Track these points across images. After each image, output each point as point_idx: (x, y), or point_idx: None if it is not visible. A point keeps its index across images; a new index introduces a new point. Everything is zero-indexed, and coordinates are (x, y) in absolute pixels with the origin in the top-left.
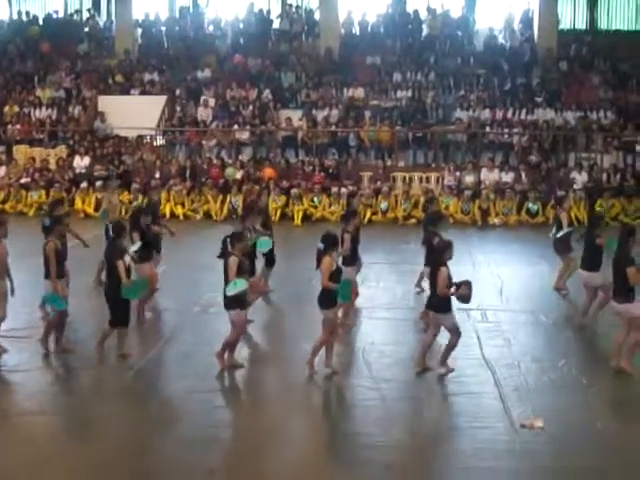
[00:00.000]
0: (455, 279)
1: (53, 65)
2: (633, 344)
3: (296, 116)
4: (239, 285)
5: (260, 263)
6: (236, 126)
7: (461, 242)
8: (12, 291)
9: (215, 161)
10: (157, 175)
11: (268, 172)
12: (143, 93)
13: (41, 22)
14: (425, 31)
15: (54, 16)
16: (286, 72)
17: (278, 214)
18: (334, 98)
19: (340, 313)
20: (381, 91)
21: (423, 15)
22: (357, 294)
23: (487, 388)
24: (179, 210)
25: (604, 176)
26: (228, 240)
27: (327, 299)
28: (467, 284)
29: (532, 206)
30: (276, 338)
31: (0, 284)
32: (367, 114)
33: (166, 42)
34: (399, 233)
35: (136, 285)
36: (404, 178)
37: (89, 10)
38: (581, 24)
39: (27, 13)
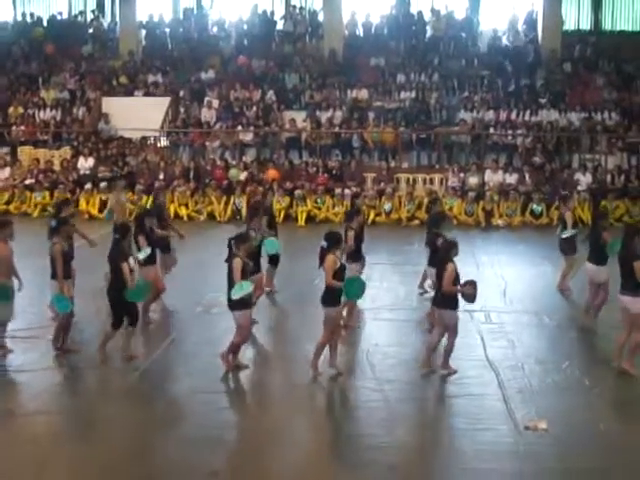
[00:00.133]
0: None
1: (57, 66)
2: (634, 345)
3: (300, 117)
4: (245, 288)
5: (264, 261)
6: (240, 127)
7: (465, 243)
8: (20, 288)
9: (219, 162)
10: (161, 176)
11: (272, 173)
12: (147, 94)
13: (45, 23)
14: (429, 32)
15: (58, 17)
16: (290, 73)
17: (282, 215)
18: (338, 99)
19: (344, 313)
20: (385, 92)
21: (427, 16)
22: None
23: (491, 389)
24: (183, 211)
25: (608, 177)
26: (232, 241)
27: (331, 297)
28: (472, 283)
29: (536, 207)
30: (280, 339)
31: (7, 284)
32: (371, 115)
33: (170, 43)
34: (403, 234)
35: (140, 288)
36: (408, 179)
37: (93, 11)
38: (585, 25)
39: (31, 14)
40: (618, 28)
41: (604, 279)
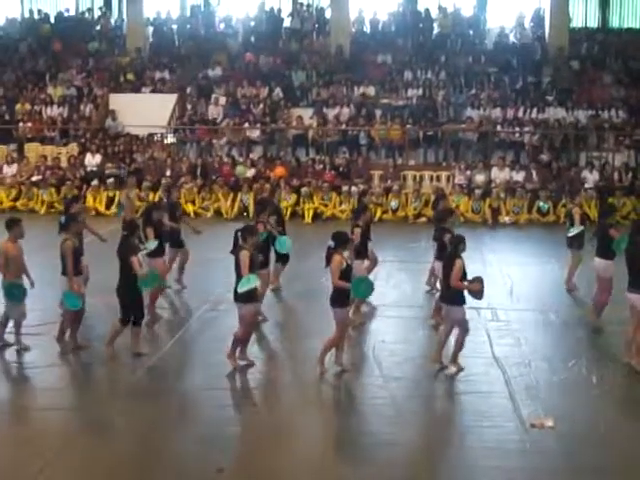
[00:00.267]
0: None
1: (64, 63)
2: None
3: (307, 114)
4: (252, 281)
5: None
6: (247, 124)
7: (472, 241)
8: (31, 284)
9: (226, 159)
10: (168, 173)
11: (279, 171)
12: (154, 91)
13: (53, 20)
14: (436, 30)
15: (65, 14)
16: (297, 70)
17: (289, 212)
18: (345, 96)
19: (350, 310)
20: (392, 90)
21: (434, 14)
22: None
23: (497, 387)
24: (190, 208)
25: (615, 175)
26: (239, 234)
27: (339, 298)
28: (479, 280)
29: (543, 205)
30: (286, 335)
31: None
32: (378, 112)
33: (177, 40)
34: (409, 231)
35: (150, 277)
36: (415, 177)
37: (100, 8)
38: (593, 22)
39: (39, 11)
40: (626, 25)
41: (610, 275)
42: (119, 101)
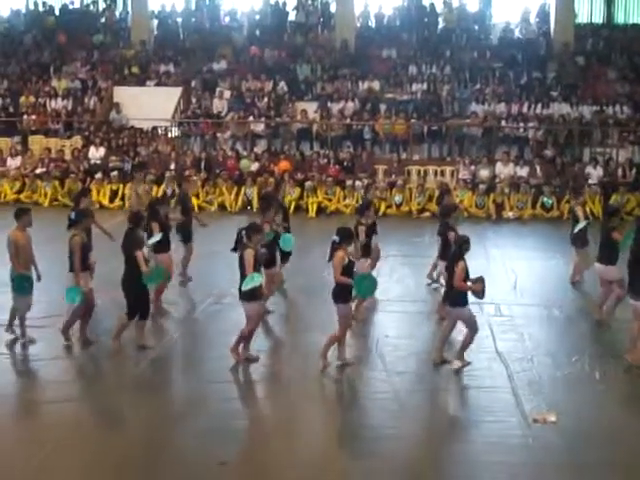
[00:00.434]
0: (469, 273)
1: (69, 56)
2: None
3: (311, 108)
4: (256, 280)
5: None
6: (251, 118)
7: (475, 236)
8: (38, 277)
9: (230, 153)
10: (172, 166)
11: (283, 165)
12: (159, 84)
13: (57, 12)
14: (441, 24)
15: (70, 7)
16: (302, 64)
17: (292, 206)
18: (349, 91)
19: (353, 305)
20: (397, 84)
21: (439, 8)
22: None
23: (500, 382)
24: (194, 201)
25: (619, 171)
26: (244, 232)
27: (342, 293)
28: (481, 280)
29: (547, 200)
30: (289, 329)
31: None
32: (382, 107)
33: (182, 33)
34: (413, 226)
35: (155, 272)
36: (419, 171)
37: (105, 1)
38: (598, 18)
39: (44, 3)
40: (631, 21)
41: (615, 277)
42: (123, 94)
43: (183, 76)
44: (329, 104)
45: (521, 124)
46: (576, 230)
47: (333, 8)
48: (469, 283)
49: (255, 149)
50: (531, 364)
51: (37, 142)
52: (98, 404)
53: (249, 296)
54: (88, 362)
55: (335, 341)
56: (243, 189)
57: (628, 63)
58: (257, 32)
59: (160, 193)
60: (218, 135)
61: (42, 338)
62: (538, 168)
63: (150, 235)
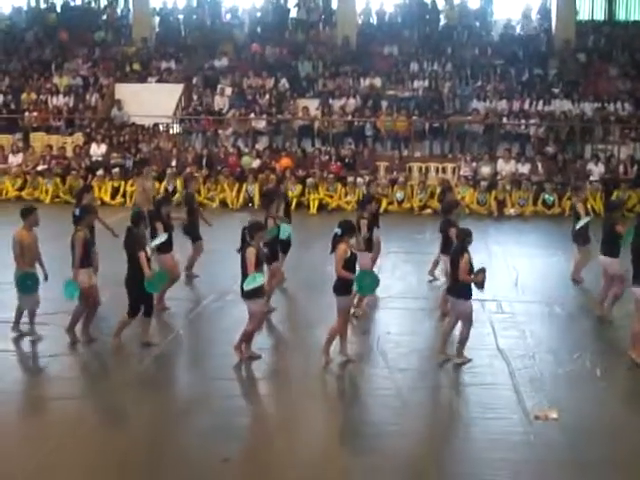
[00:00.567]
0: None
1: (70, 53)
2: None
3: (313, 105)
4: (258, 280)
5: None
6: (253, 115)
7: (477, 233)
8: (45, 277)
9: (231, 150)
10: (173, 163)
11: (284, 162)
12: (160, 81)
13: (59, 10)
14: (442, 21)
15: (72, 4)
16: (303, 61)
17: (294, 203)
18: (351, 88)
19: (355, 301)
20: (398, 81)
21: (441, 5)
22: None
23: (501, 379)
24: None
25: (621, 168)
26: (246, 231)
27: (343, 286)
28: (483, 271)
29: (548, 197)
30: (291, 326)
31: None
32: (384, 104)
33: (183, 30)
34: (415, 223)
35: (157, 278)
36: (420, 168)
37: None
38: (599, 15)
39: (45, 0)
40: (632, 18)
41: (617, 271)
42: (125, 91)
43: (184, 73)
44: (330, 101)
45: (522, 121)
46: (578, 227)
47: (334, 5)
48: (472, 276)
49: (256, 146)
50: (533, 361)
51: (39, 139)
52: (102, 401)
53: (251, 294)
54: (92, 359)
55: (335, 335)
56: (244, 186)
57: (629, 60)
58: (258, 29)
59: (162, 190)
60: (219, 132)
61: (45, 335)
62: (539, 165)
63: (154, 235)
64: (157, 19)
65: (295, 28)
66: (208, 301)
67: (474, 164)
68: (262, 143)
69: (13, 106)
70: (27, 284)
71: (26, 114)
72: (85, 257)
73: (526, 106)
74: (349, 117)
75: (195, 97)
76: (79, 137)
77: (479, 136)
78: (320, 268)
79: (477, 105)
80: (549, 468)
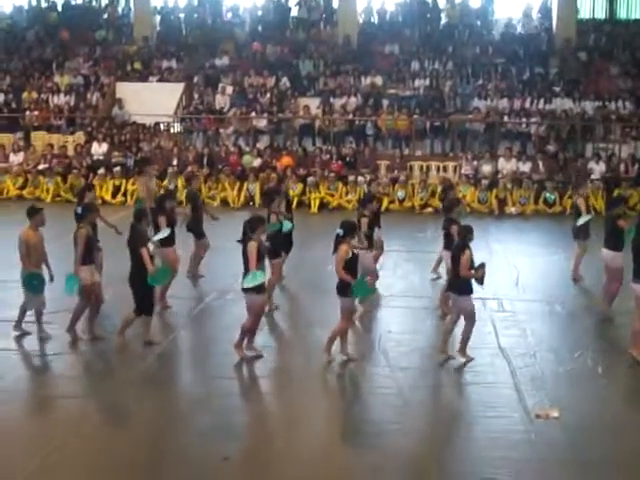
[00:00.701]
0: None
1: (72, 51)
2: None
3: (314, 104)
4: (258, 278)
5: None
6: (254, 114)
7: (478, 231)
8: (51, 278)
9: (232, 149)
10: (175, 162)
11: (285, 160)
12: (161, 80)
13: (60, 8)
14: (443, 20)
15: (73, 2)
16: (304, 60)
17: (295, 202)
18: (352, 86)
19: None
20: (399, 80)
21: (442, 4)
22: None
23: (502, 377)
24: None
25: (622, 166)
26: (247, 225)
27: (345, 287)
28: (482, 266)
29: (549, 196)
30: (292, 324)
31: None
32: (385, 103)
33: (184, 29)
34: (416, 222)
35: (160, 272)
36: (421, 167)
37: None
38: (600, 14)
39: (46, 0)
40: (633, 17)
41: (619, 264)
42: (126, 90)
43: (185, 72)
44: (331, 100)
45: (523, 119)
46: (579, 223)
47: (335, 4)
48: (473, 271)
49: (257, 145)
50: (534, 360)
51: (40, 138)
52: (104, 399)
53: (252, 289)
54: (95, 358)
55: (338, 335)
56: (245, 185)
57: (630, 59)
58: (259, 28)
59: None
60: (220, 131)
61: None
62: (540, 163)
63: (157, 229)
64: (158, 18)
65: (296, 27)
66: (209, 299)
67: (475, 163)
68: (263, 142)
69: (14, 105)
70: (33, 284)
71: (27, 113)
72: (87, 254)
73: (527, 105)
74: (350, 116)
75: (196, 96)
76: (80, 136)
77: (480, 135)
78: (321, 267)
79: (478, 104)
80: (550, 467)
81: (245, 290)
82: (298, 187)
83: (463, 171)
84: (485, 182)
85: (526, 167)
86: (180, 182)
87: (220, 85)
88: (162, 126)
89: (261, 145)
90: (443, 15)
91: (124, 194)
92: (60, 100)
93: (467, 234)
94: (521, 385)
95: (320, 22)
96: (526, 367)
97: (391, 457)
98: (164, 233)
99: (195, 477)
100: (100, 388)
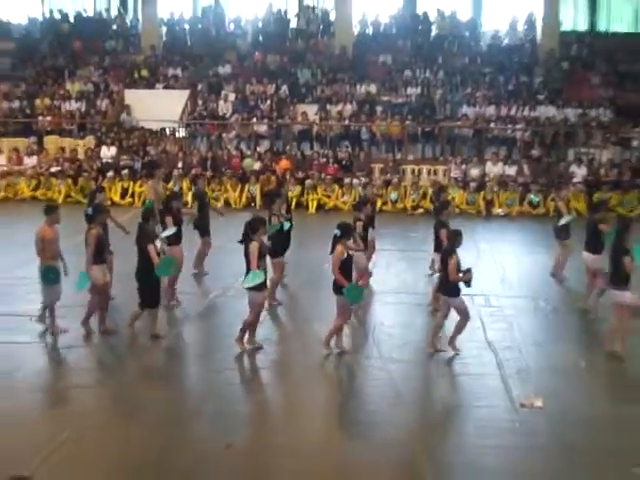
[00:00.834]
0: (461, 265)
1: (82, 60)
2: (621, 330)
3: (311, 110)
4: (257, 277)
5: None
6: (255, 119)
7: (466, 232)
8: (65, 272)
9: (235, 152)
10: (180, 165)
11: (283, 164)
12: (167, 87)
13: (72, 20)
14: (434, 32)
15: (84, 14)
16: (302, 69)
17: (293, 203)
18: (348, 94)
19: None
20: (392, 88)
21: (432, 16)
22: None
23: (490, 369)
24: None
25: (602, 170)
26: (248, 226)
27: (340, 285)
28: (469, 270)
29: (534, 198)
30: (292, 319)
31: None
32: (379, 109)
33: (189, 39)
34: (408, 222)
35: (165, 262)
36: (413, 170)
37: (118, 8)
38: (582, 26)
39: (59, 11)
40: (613, 29)
41: (599, 266)
42: (134, 97)
43: (190, 80)
44: (328, 106)
45: (509, 126)
46: (560, 224)
47: (332, 16)
48: (460, 275)
49: (258, 149)
50: (519, 352)
51: (52, 142)
52: (113, 391)
53: (253, 287)
54: (105, 351)
55: (336, 331)
56: (247, 186)
57: (610, 69)
58: (260, 38)
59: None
60: (223, 135)
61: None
62: (525, 167)
63: (165, 228)
64: (164, 29)
65: (295, 37)
66: (212, 296)
67: (464, 166)
68: (264, 146)
69: (28, 111)
70: (50, 277)
71: (40, 118)
72: (98, 254)
73: (513, 112)
74: (346, 122)
75: (200, 102)
76: (90, 140)
77: (468, 140)
78: (319, 265)
79: (467, 110)
80: (534, 453)
81: (247, 288)
82: (296, 189)
83: (452, 174)
84: (473, 185)
85: (512, 171)
86: (185, 184)
87: (223, 92)
88: (168, 131)
89: (262, 149)
90: (434, 27)
91: (132, 195)
92: (71, 106)
93: (456, 238)
94: (507, 376)
95: (318, 33)
96: (512, 359)
97: (383, 446)
98: (171, 231)
99: (200, 463)
100: (111, 379)
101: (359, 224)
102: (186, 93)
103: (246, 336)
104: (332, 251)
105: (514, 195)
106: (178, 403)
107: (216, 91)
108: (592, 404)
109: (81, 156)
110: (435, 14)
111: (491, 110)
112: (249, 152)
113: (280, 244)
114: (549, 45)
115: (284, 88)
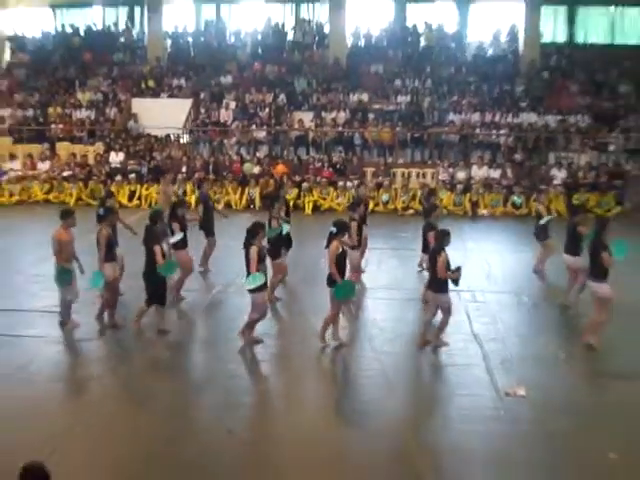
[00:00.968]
0: (450, 263)
1: (92, 71)
2: (599, 323)
3: (307, 118)
4: (257, 280)
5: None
6: (254, 126)
7: (454, 231)
8: (82, 271)
9: (235, 157)
10: (184, 169)
11: (280, 168)
12: (172, 96)
13: (82, 33)
14: (423, 43)
15: (94, 28)
16: (299, 78)
17: (291, 205)
18: (341, 102)
19: None
20: (383, 96)
21: (421, 29)
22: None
23: (475, 360)
24: None
25: (580, 173)
26: (248, 232)
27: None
28: (458, 269)
29: (517, 199)
30: (290, 314)
31: (68, 268)
32: (371, 116)
33: (192, 51)
34: (398, 222)
35: (167, 264)
36: (403, 173)
37: (125, 23)
38: (561, 38)
39: (70, 25)
40: (590, 41)
41: (580, 266)
42: (140, 105)
43: (193, 89)
44: (323, 114)
45: (493, 131)
46: (541, 223)
47: (327, 29)
48: (449, 272)
49: (257, 154)
50: (503, 344)
51: (64, 148)
52: (122, 381)
53: (254, 288)
54: (114, 344)
55: (329, 322)
56: (247, 189)
57: (588, 78)
58: (259, 50)
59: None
60: (225, 141)
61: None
62: (509, 170)
63: (173, 234)
64: (169, 41)
65: (292, 49)
66: (215, 292)
67: (451, 170)
68: (262, 151)
69: (41, 119)
70: (63, 278)
71: (53, 126)
72: (109, 252)
73: (497, 118)
74: (340, 128)
75: (203, 110)
76: (100, 146)
77: (455, 145)
78: (315, 263)
79: (453, 117)
80: (518, 438)
81: (248, 289)
82: (293, 191)
83: (440, 177)
84: (460, 187)
85: (496, 174)
86: (189, 187)
87: (224, 101)
88: (172, 137)
89: (261, 154)
90: (422, 39)
91: (139, 198)
92: (82, 114)
93: (444, 237)
94: (492, 367)
95: (313, 45)
96: (496, 351)
97: (377, 434)
98: (178, 237)
99: (203, 447)
100: (120, 371)
101: (353, 224)
102: (189, 102)
103: (247, 330)
104: (327, 246)
105: (498, 197)
106: (184, 394)
107: (218, 100)
108: (571, 392)
109: (91, 161)
110: (423, 27)
111: (476, 117)
112: (249, 157)
113: (280, 246)
114: (530, 56)
115: (282, 97)
